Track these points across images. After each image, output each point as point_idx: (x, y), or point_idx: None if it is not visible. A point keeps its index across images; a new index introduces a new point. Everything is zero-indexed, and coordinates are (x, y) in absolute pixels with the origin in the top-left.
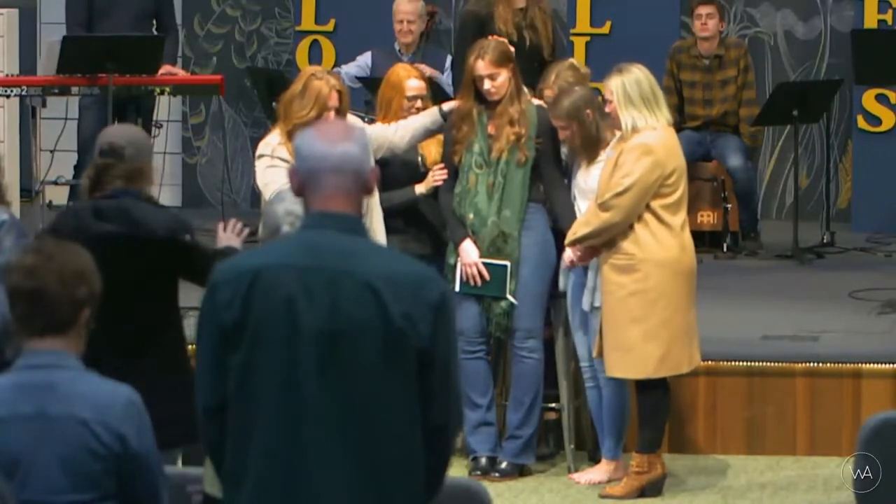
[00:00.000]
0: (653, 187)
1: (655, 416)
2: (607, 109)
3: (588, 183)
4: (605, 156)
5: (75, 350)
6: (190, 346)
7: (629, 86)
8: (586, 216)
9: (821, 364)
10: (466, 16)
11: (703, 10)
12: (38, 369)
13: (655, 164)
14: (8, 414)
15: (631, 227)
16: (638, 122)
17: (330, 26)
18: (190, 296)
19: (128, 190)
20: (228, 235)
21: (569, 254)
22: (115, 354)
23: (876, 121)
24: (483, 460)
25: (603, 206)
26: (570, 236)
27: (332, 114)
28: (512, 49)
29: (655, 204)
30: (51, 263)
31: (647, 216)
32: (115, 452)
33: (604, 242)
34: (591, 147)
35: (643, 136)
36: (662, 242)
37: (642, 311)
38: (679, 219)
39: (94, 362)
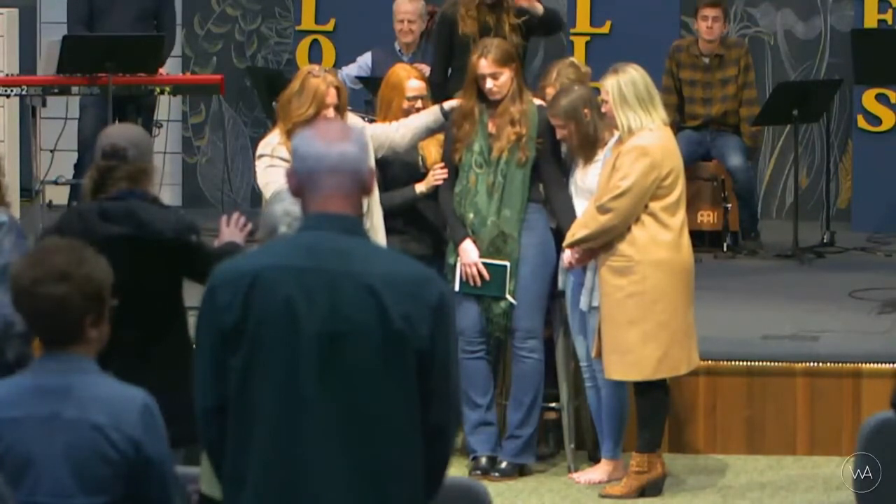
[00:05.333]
0: (650, 189)
1: (655, 416)
2: (603, 110)
3: (585, 182)
4: (602, 156)
5: (90, 352)
6: (193, 346)
7: (625, 86)
8: (584, 218)
9: (821, 364)
10: (439, 18)
11: (710, 12)
12: (55, 371)
13: (652, 167)
14: (22, 415)
15: (628, 228)
16: (633, 122)
17: (330, 26)
18: (191, 295)
19: (133, 191)
20: (232, 231)
21: (567, 256)
22: (120, 355)
23: (876, 121)
24: (483, 460)
25: (601, 209)
26: (568, 238)
27: (330, 111)
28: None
29: (653, 205)
30: (70, 280)
31: (645, 217)
32: (129, 458)
33: (602, 244)
34: (588, 147)
35: (640, 137)
36: (660, 243)
37: (640, 312)
38: (677, 219)
39: (100, 362)
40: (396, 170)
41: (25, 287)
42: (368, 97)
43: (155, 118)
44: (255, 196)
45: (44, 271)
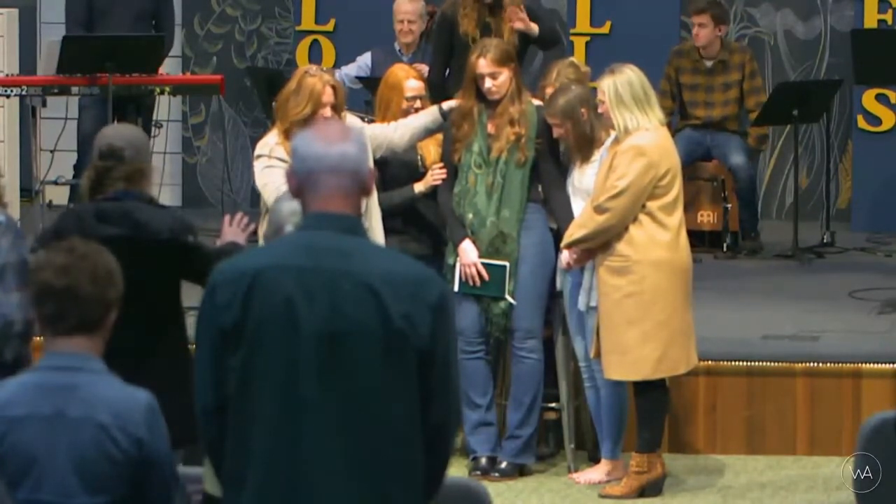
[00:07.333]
0: (647, 189)
1: (654, 416)
2: (600, 110)
3: (582, 183)
4: (599, 156)
5: (98, 352)
6: (191, 347)
7: (621, 86)
8: (582, 219)
9: (821, 364)
10: (439, 17)
11: (696, 19)
12: (61, 371)
13: (649, 166)
14: (27, 413)
15: (626, 228)
16: (630, 122)
17: (330, 26)
18: (190, 296)
19: (129, 192)
20: (234, 230)
21: (565, 256)
22: (118, 356)
23: (876, 121)
24: (483, 460)
25: (598, 209)
26: (566, 239)
27: (327, 110)
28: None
29: (651, 205)
30: (84, 262)
31: (643, 217)
32: (132, 457)
33: (600, 244)
34: (585, 146)
35: (636, 137)
36: (657, 243)
37: (638, 312)
38: (675, 219)
39: None
40: (395, 170)
41: (61, 266)
42: (368, 97)
43: (155, 118)
44: (255, 196)
45: (77, 256)
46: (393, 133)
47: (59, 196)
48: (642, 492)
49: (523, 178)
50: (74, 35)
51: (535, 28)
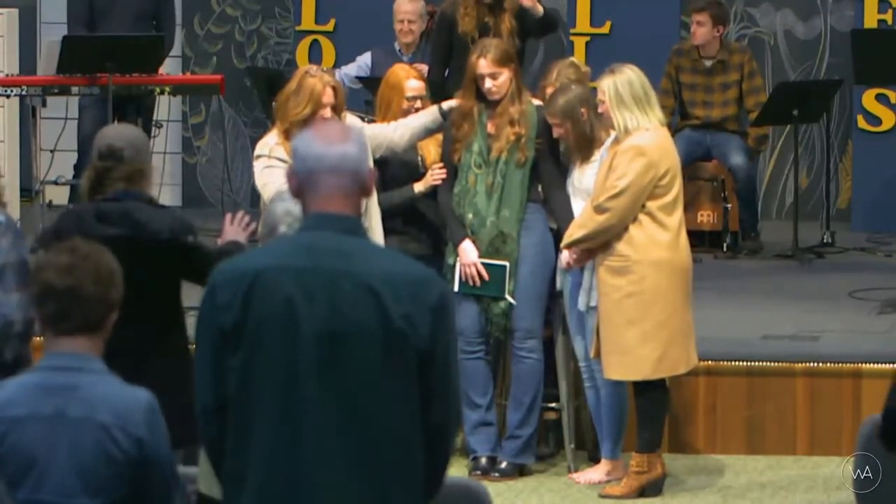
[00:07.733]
0: (647, 189)
1: (654, 416)
2: (600, 110)
3: (582, 183)
4: (599, 156)
5: (98, 352)
6: (191, 347)
7: (621, 86)
8: (582, 219)
9: (821, 364)
10: (438, 17)
11: (695, 17)
12: (62, 371)
13: (649, 166)
14: (27, 413)
15: (625, 228)
16: (630, 122)
17: (330, 26)
18: (190, 296)
19: (129, 192)
20: (235, 229)
21: (565, 256)
22: (118, 356)
23: (876, 121)
24: (483, 460)
25: (598, 209)
26: (566, 239)
27: (327, 110)
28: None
29: (651, 205)
30: (86, 263)
31: (642, 217)
32: (132, 458)
33: (599, 244)
34: (585, 146)
35: (636, 137)
36: (657, 243)
37: (638, 312)
38: (675, 219)
39: None
40: (395, 169)
41: (64, 266)
42: (368, 97)
43: (155, 118)
44: (255, 196)
45: (80, 257)
46: (393, 133)
47: (59, 196)
48: (642, 492)
49: (523, 178)
50: (74, 35)
51: (540, 9)
